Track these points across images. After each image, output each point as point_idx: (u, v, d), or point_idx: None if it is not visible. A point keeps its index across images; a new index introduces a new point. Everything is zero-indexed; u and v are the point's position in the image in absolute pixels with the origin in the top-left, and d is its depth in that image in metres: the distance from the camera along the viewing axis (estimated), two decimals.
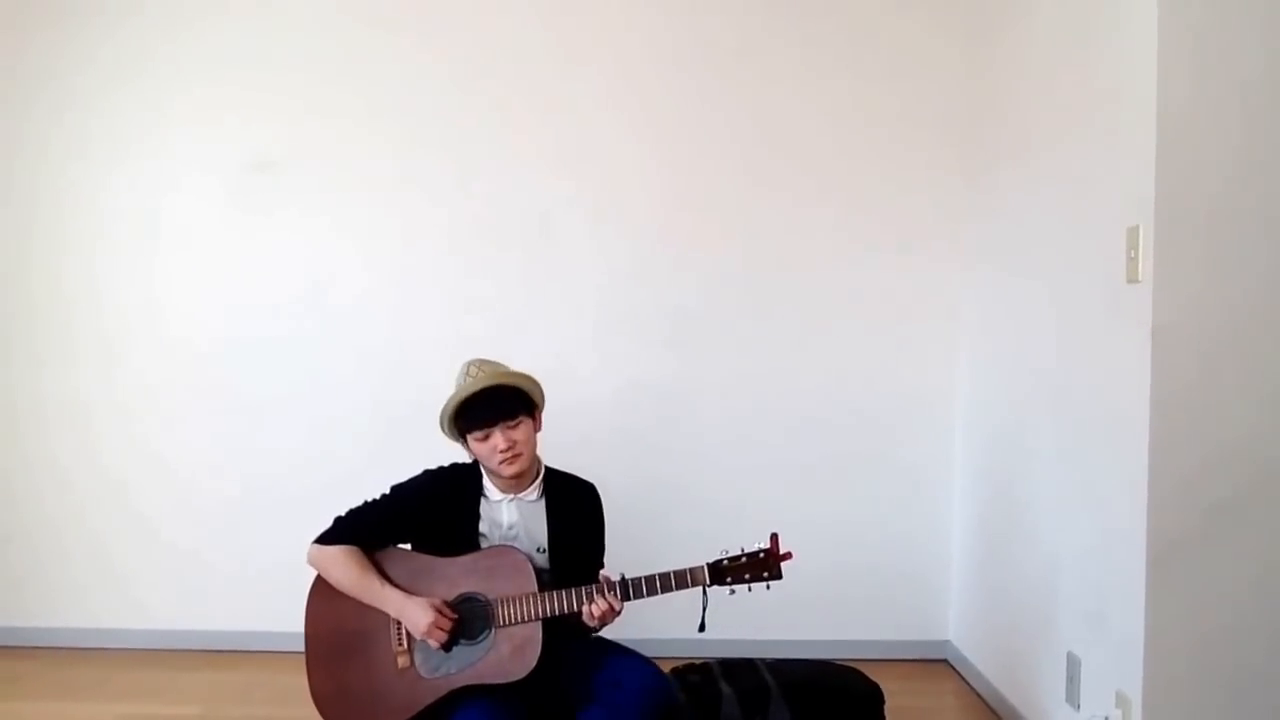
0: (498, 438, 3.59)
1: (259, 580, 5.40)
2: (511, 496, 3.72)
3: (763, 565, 3.54)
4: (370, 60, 5.45)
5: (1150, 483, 3.23)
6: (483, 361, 3.74)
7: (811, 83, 5.34)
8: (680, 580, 3.50)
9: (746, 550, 3.56)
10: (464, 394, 3.62)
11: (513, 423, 3.63)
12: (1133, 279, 3.27)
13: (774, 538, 3.57)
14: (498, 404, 3.63)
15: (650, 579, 3.50)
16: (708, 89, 5.37)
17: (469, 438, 3.64)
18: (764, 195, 5.36)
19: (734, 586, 3.54)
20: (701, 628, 3.55)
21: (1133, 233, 3.26)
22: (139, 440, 5.56)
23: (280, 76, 5.48)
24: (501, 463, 3.61)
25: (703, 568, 3.53)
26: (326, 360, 5.49)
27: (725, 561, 3.54)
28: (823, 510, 5.34)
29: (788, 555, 3.56)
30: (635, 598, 3.51)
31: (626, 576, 3.53)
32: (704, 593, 3.54)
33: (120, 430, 5.57)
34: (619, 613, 3.53)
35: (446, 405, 3.64)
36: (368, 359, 5.47)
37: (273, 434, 5.51)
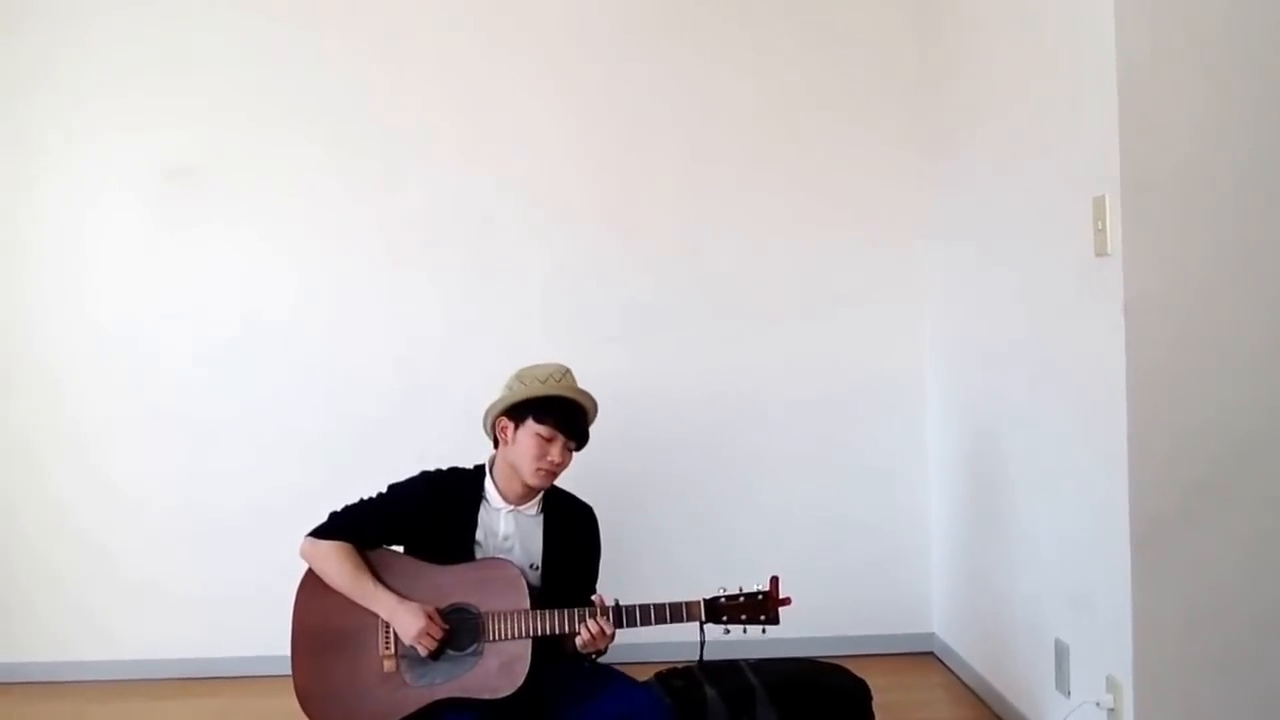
0: (558, 449, 3.57)
1: (229, 605, 5.26)
2: (511, 507, 3.67)
3: (760, 608, 3.51)
4: (289, 58, 5.33)
5: (1130, 461, 3.18)
6: (572, 374, 3.71)
7: (753, 59, 5.28)
8: (675, 613, 3.48)
9: (745, 590, 3.52)
10: (571, 394, 3.63)
11: (574, 447, 3.64)
12: (1102, 251, 3.22)
13: (774, 581, 3.54)
14: (582, 424, 3.66)
15: (645, 609, 3.47)
16: (645, 71, 5.30)
17: (532, 428, 3.57)
18: (712, 179, 5.30)
19: (729, 626, 3.52)
20: (700, 664, 3.58)
21: (1099, 203, 3.20)
22: (87, 467, 5.42)
23: (193, 78, 5.33)
24: (539, 471, 3.57)
25: (699, 603, 3.50)
26: (270, 374, 5.37)
27: (723, 600, 3.52)
28: (795, 504, 5.30)
29: (786, 600, 3.53)
30: (628, 625, 3.47)
31: (620, 603, 3.48)
32: (700, 629, 3.52)
33: (66, 457, 5.43)
34: (611, 639, 3.48)
35: (539, 389, 3.59)
36: (311, 371, 5.36)
37: (224, 454, 5.39)
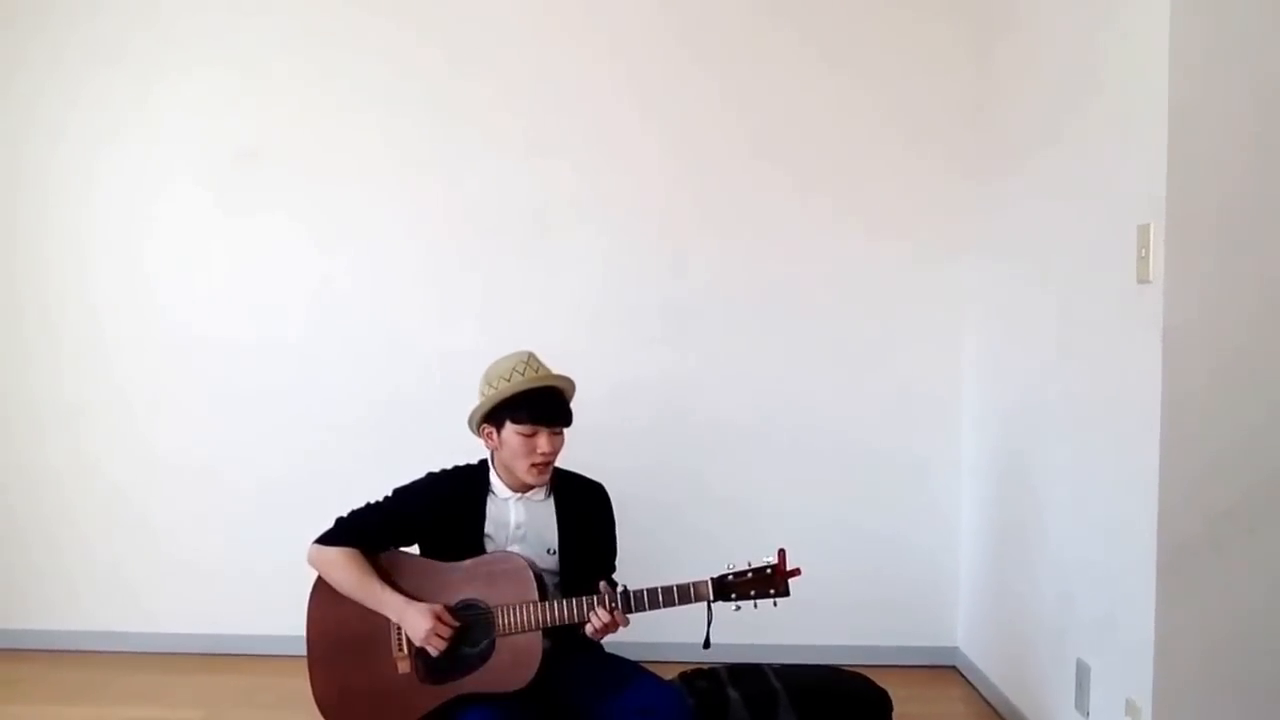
0: (543, 439, 3.58)
1: (261, 582, 5.36)
2: (519, 495, 3.68)
3: (769, 582, 3.45)
4: (360, 46, 5.40)
5: (1161, 487, 3.18)
6: (535, 358, 3.70)
7: (815, 75, 5.29)
8: (683, 594, 3.43)
9: (753, 565, 3.47)
10: (536, 384, 3.61)
11: (559, 430, 3.63)
12: (1144, 278, 3.22)
13: (781, 553, 3.48)
14: (558, 407, 3.64)
15: (653, 592, 3.44)
16: (708, 80, 5.32)
17: (511, 428, 3.58)
18: (766, 189, 5.31)
19: (739, 603, 3.46)
20: (706, 644, 3.49)
21: (1144, 231, 3.20)
22: (132, 440, 5.55)
23: (265, 64, 5.44)
24: (533, 465, 3.59)
25: (706, 582, 3.45)
26: (320, 357, 5.46)
27: (730, 577, 3.46)
28: (828, 511, 5.31)
29: (795, 572, 3.47)
30: (637, 610, 3.45)
31: (629, 588, 3.47)
32: (709, 608, 3.48)
33: (113, 430, 5.56)
34: (625, 624, 3.47)
35: (505, 388, 3.58)
36: (362, 356, 5.44)
37: (269, 433, 5.49)
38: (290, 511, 5.14)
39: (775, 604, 3.47)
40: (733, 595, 3.45)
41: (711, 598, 3.45)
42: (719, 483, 5.35)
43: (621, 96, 5.34)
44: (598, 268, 5.35)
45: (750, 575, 3.46)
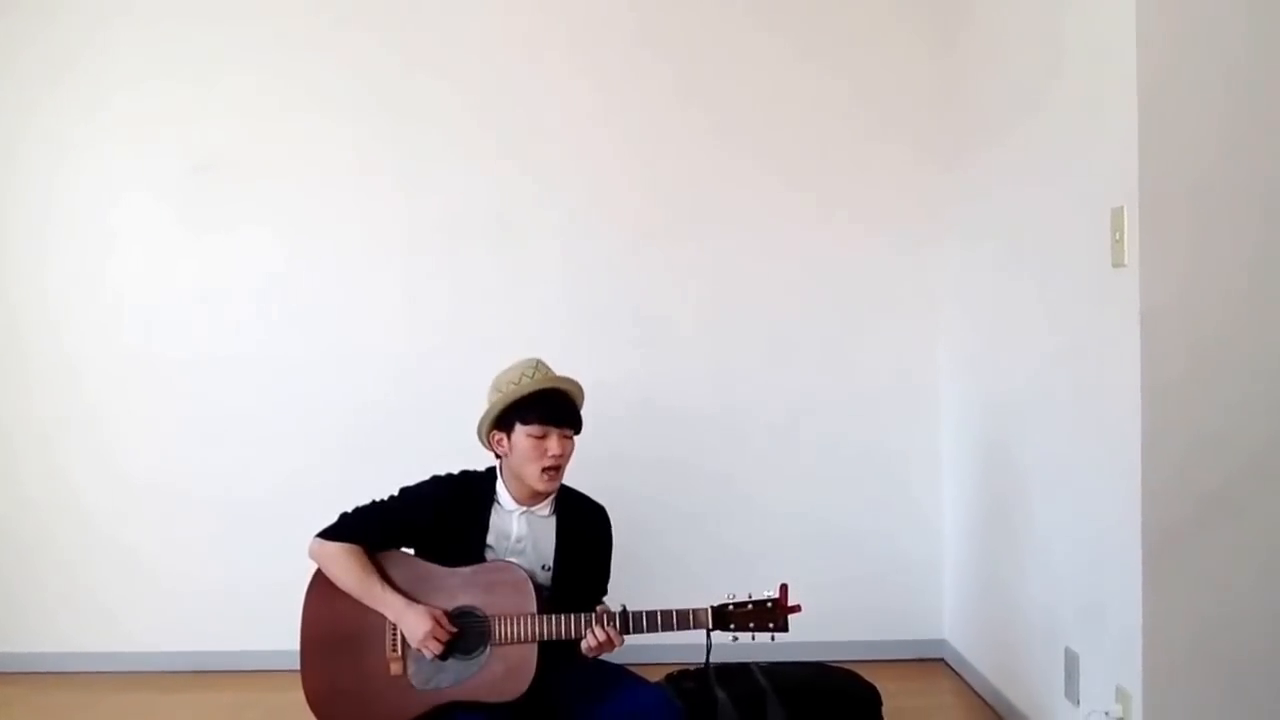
0: (554, 441, 3.57)
1: (243, 598, 5.31)
2: (524, 509, 3.66)
3: (769, 616, 3.47)
4: (316, 51, 5.37)
5: (1143, 472, 3.17)
6: (543, 363, 3.71)
7: (776, 66, 5.30)
8: (682, 620, 3.44)
9: (754, 598, 3.49)
10: (544, 385, 3.61)
11: (570, 433, 3.63)
12: (1118, 262, 3.22)
13: (783, 589, 3.49)
14: (567, 408, 3.65)
15: (651, 615, 3.45)
16: (671, 78, 5.32)
17: (522, 431, 3.57)
18: (733, 183, 5.31)
19: (737, 634, 3.48)
20: (706, 667, 3.53)
21: (1117, 214, 3.20)
22: (104, 460, 5.48)
23: (222, 71, 5.39)
24: (545, 470, 3.57)
25: (706, 610, 3.46)
26: (289, 369, 5.41)
27: (730, 607, 3.47)
28: (809, 507, 5.30)
29: (796, 608, 3.48)
30: (635, 631, 3.45)
31: (628, 609, 3.46)
32: (708, 636, 3.49)
33: (84, 450, 5.49)
34: (620, 644, 3.46)
35: (513, 392, 3.59)
36: (331, 367, 5.39)
37: (240, 448, 5.43)
38: (267, 526, 5.17)
39: (773, 638, 3.49)
40: (731, 625, 3.48)
41: (710, 626, 3.47)
42: (697, 480, 5.34)
43: (583, 93, 5.34)
44: (565, 269, 5.34)
45: (750, 607, 3.48)
